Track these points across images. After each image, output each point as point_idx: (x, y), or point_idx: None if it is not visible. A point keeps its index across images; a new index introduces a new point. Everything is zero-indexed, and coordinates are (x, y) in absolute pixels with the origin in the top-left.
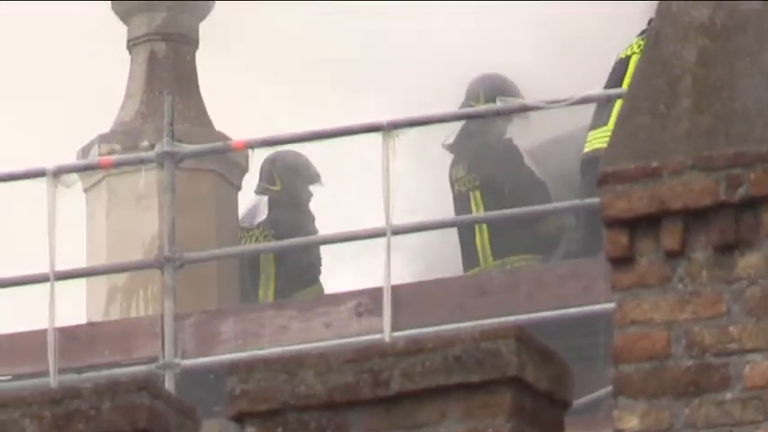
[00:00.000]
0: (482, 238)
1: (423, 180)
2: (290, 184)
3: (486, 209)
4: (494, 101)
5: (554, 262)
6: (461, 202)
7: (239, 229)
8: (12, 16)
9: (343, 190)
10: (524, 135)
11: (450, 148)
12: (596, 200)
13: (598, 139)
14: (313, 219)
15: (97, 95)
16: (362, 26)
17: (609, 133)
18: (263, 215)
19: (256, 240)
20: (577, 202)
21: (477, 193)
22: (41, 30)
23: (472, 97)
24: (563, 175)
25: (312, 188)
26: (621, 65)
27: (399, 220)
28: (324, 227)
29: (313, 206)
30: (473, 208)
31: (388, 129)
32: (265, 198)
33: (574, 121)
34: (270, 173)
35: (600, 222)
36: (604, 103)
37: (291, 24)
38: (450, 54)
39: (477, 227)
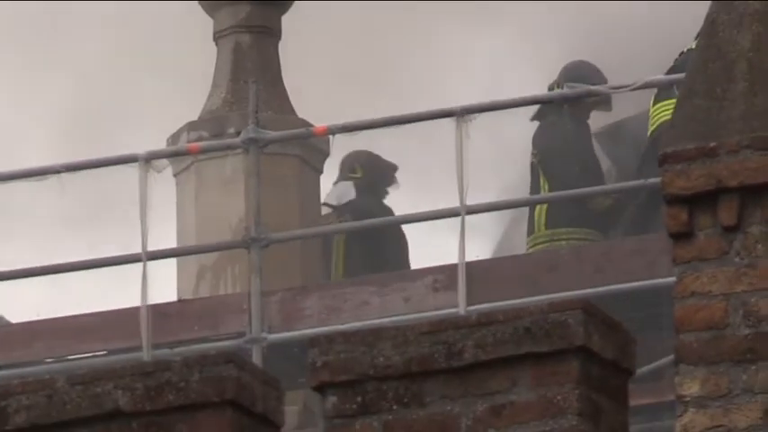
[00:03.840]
0: (541, 208)
1: (496, 163)
2: (370, 172)
3: (549, 183)
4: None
5: (613, 237)
6: (534, 172)
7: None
8: (106, 12)
9: (420, 173)
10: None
11: (533, 118)
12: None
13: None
14: (390, 213)
15: (185, 85)
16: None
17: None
18: (350, 196)
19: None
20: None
21: (542, 168)
22: (133, 24)
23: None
24: (624, 156)
25: (390, 189)
26: (688, 56)
27: (473, 200)
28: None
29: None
30: (541, 179)
31: (460, 114)
32: (350, 183)
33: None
34: (351, 163)
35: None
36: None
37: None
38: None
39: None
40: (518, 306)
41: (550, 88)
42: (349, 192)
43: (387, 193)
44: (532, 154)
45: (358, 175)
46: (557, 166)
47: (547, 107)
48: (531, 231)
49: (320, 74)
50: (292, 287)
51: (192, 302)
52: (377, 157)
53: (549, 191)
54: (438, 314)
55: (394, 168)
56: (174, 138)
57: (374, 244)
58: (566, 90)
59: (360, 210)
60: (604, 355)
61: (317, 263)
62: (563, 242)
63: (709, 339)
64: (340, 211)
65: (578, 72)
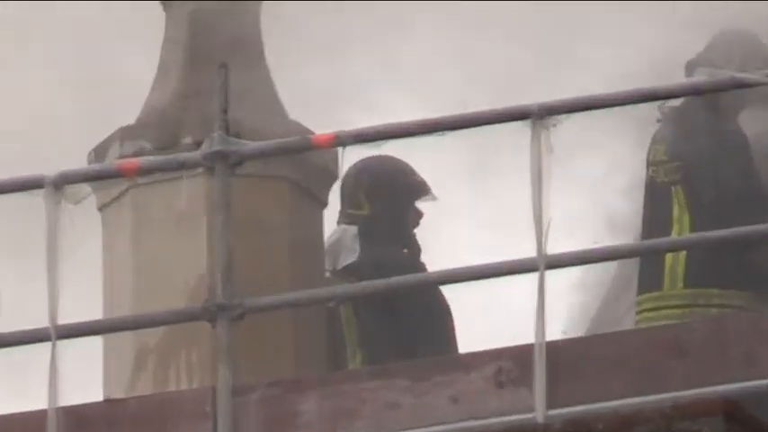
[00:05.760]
0: (677, 254)
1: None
2: (383, 205)
3: (690, 214)
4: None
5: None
6: (658, 195)
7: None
8: None
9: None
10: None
11: (663, 115)
12: None
13: None
14: (419, 252)
15: (118, 74)
16: None
17: None
18: (352, 254)
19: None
20: None
21: (680, 190)
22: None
23: (721, 59)
24: None
25: (419, 205)
26: None
27: (556, 247)
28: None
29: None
30: (674, 207)
31: (539, 115)
32: (353, 229)
33: None
34: (352, 191)
35: None
36: None
37: None
38: None
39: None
40: (627, 408)
41: (688, 71)
42: (351, 246)
43: (419, 215)
44: (663, 168)
45: (363, 212)
46: (714, 190)
47: (680, 102)
48: (652, 286)
49: (322, 52)
50: (281, 380)
51: (126, 403)
52: (393, 176)
53: (692, 226)
54: (504, 422)
55: (421, 189)
56: (100, 152)
57: (401, 319)
58: (700, 78)
59: (369, 274)
60: None
61: (320, 342)
62: (713, 309)
63: None
64: (339, 277)
65: (732, 46)
